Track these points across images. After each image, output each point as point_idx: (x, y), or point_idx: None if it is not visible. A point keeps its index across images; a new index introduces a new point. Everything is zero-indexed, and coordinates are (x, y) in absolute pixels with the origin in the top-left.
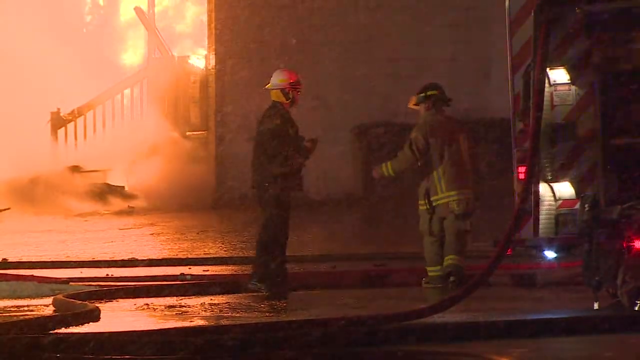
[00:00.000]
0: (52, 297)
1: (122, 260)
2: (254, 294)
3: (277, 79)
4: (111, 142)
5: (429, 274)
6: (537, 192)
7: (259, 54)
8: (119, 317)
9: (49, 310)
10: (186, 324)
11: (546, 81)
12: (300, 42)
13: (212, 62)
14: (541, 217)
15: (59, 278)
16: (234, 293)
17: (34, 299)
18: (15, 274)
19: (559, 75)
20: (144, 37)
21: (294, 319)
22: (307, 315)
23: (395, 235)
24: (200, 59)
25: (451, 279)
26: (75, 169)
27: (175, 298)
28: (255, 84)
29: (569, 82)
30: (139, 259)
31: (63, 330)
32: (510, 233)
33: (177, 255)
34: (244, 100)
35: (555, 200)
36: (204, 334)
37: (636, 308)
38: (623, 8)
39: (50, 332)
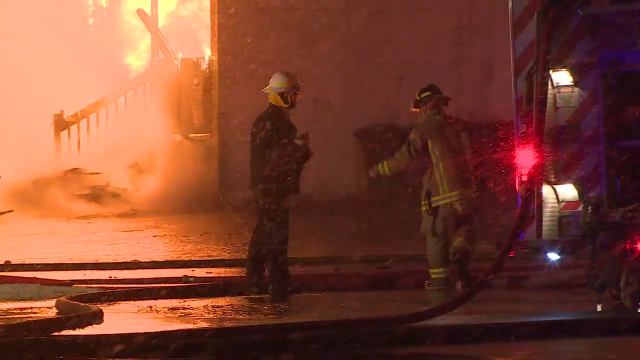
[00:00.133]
0: (55, 300)
1: (125, 263)
2: (257, 296)
3: (276, 82)
4: (114, 144)
5: (432, 276)
6: (540, 194)
7: (262, 56)
8: (122, 319)
9: (52, 313)
10: (190, 326)
11: (549, 83)
12: (303, 44)
13: (215, 64)
14: (544, 219)
15: (62, 280)
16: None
17: (36, 301)
18: (18, 276)
19: (562, 77)
20: (147, 39)
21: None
22: (310, 318)
23: (398, 237)
24: (203, 61)
25: (456, 256)
26: (78, 171)
27: (178, 300)
28: (258, 86)
29: (572, 84)
30: (142, 261)
31: (66, 332)
32: (513, 235)
33: (180, 257)
34: (247, 102)
35: (559, 202)
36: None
37: (639, 310)
38: (626, 9)
39: (53, 334)
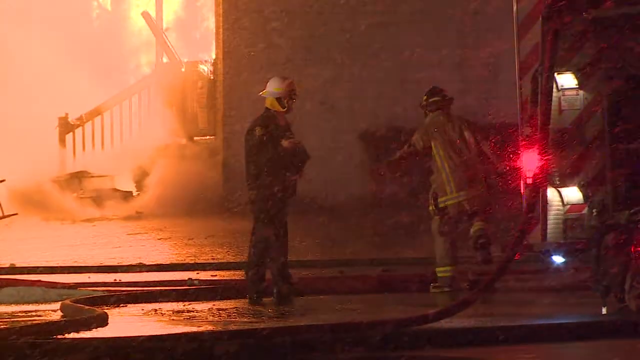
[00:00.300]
0: (60, 303)
1: (130, 265)
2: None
3: (273, 87)
4: (119, 147)
5: (438, 274)
6: (545, 197)
7: (267, 59)
8: (127, 322)
9: (56, 316)
10: (194, 329)
11: (554, 86)
12: (308, 47)
13: (220, 67)
14: (549, 222)
15: (67, 283)
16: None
17: (41, 304)
18: (23, 279)
19: (566, 80)
20: (152, 42)
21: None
22: (314, 321)
23: (403, 240)
24: (207, 64)
25: (480, 241)
26: (83, 174)
27: (182, 303)
28: (263, 89)
29: (577, 86)
30: (147, 264)
31: (72, 335)
32: (519, 238)
33: (184, 260)
34: (252, 105)
35: (563, 205)
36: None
37: None
38: (630, 13)
39: (58, 337)
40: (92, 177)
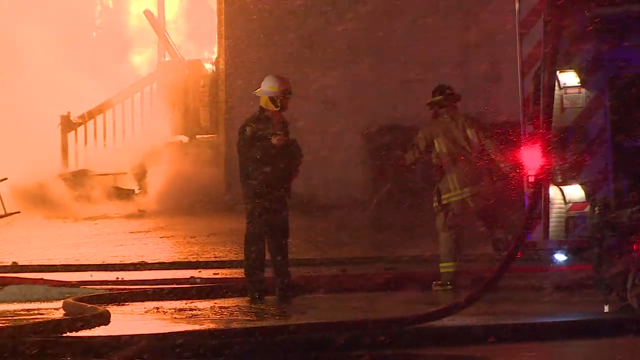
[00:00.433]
0: (62, 301)
1: (132, 264)
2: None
3: (267, 86)
4: (121, 145)
5: (442, 270)
6: (547, 195)
7: (269, 58)
8: (129, 320)
9: (59, 314)
10: (196, 327)
11: (556, 84)
12: (309, 46)
13: (222, 66)
14: (551, 220)
15: (69, 281)
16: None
17: (44, 302)
18: (25, 277)
19: (568, 78)
20: (154, 40)
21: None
22: (317, 319)
23: (404, 238)
24: (209, 62)
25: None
26: (85, 172)
27: (184, 301)
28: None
29: (579, 84)
30: (149, 262)
31: (73, 333)
32: (521, 236)
33: (187, 258)
34: (253, 103)
35: (565, 203)
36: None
37: None
38: (632, 11)
39: (61, 335)
40: (94, 175)
